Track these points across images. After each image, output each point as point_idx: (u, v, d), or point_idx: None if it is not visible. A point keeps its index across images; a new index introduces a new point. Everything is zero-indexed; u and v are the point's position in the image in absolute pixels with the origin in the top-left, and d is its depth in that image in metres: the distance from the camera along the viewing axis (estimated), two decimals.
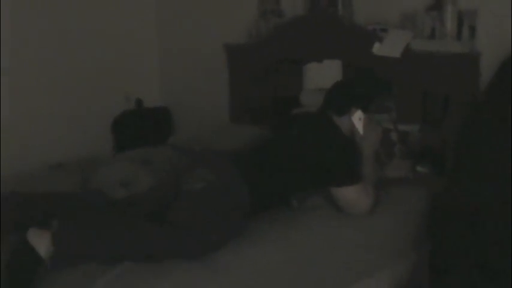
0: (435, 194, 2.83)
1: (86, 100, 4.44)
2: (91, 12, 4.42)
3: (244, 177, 2.46)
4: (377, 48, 3.26)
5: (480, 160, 2.68)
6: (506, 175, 2.55)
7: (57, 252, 2.09)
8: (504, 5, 3.04)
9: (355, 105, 2.71)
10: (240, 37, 4.06)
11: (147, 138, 3.95)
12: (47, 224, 2.17)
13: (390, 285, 2.63)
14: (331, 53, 3.54)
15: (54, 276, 2.11)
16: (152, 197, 2.39)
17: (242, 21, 4.07)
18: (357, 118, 2.70)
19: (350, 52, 3.45)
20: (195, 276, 2.12)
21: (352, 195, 2.54)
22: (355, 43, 3.42)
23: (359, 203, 2.56)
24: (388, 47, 3.22)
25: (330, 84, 2.94)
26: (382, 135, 2.81)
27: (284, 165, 2.57)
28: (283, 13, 3.92)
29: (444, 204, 2.69)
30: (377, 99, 2.81)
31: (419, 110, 3.27)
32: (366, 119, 2.71)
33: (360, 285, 2.52)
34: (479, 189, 2.60)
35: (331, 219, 2.55)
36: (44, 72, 4.22)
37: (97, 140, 4.29)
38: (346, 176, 2.55)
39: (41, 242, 2.10)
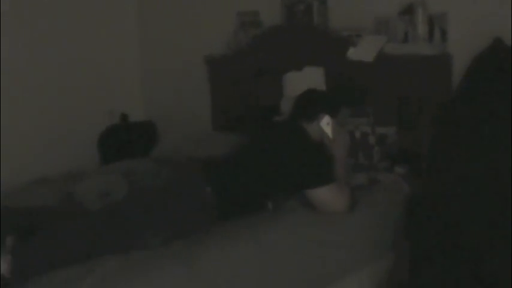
0: (412, 194, 2.89)
1: (72, 116, 4.51)
2: (75, 30, 4.50)
3: (214, 185, 2.54)
4: (351, 53, 3.32)
5: (452, 159, 2.73)
6: (477, 172, 2.61)
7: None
8: (472, 7, 3.12)
9: (322, 111, 2.80)
10: (220, 49, 4.11)
11: (133, 151, 3.99)
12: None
13: (371, 282, 2.70)
14: (309, 60, 3.59)
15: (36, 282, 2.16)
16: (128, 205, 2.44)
17: (222, 33, 4.13)
18: (325, 123, 2.79)
19: (327, 58, 3.50)
20: (172, 276, 2.17)
21: (327, 196, 2.61)
22: (331, 49, 3.48)
23: (335, 203, 2.62)
24: (362, 52, 3.28)
25: None
26: (349, 140, 2.95)
27: (257, 171, 2.65)
28: (261, 24, 3.97)
29: (420, 203, 2.75)
30: (345, 106, 2.92)
31: (395, 113, 3.32)
32: (334, 124, 2.80)
33: (341, 283, 2.59)
34: (452, 187, 2.65)
35: (307, 220, 2.59)
36: (29, 88, 4.29)
37: (83, 155, 4.34)
38: (318, 177, 2.61)
39: None
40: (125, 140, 4.41)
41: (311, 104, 2.88)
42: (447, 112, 2.83)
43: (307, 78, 3.70)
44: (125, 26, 4.80)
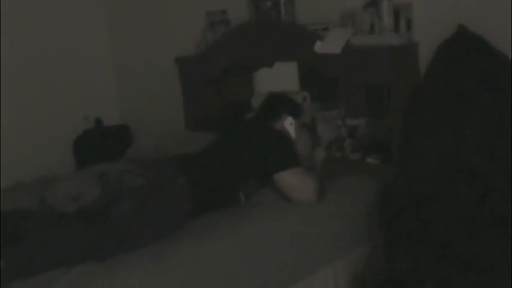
0: (385, 183, 2.91)
1: (47, 122, 4.52)
2: (47, 36, 4.51)
3: (187, 176, 2.62)
4: (319, 46, 3.34)
5: (423, 147, 2.77)
6: (446, 159, 2.64)
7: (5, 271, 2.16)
8: None
9: (286, 112, 2.98)
10: (190, 49, 4.12)
11: (107, 155, 3.99)
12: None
13: (347, 273, 2.72)
14: (278, 56, 3.61)
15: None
16: (100, 206, 2.45)
17: (192, 33, 4.14)
18: (288, 123, 2.97)
19: (296, 53, 3.52)
20: (146, 272, 2.19)
21: (294, 179, 2.68)
22: (299, 44, 3.49)
23: (302, 188, 2.68)
24: (329, 45, 3.30)
25: (285, 86, 3.28)
26: (311, 141, 3.12)
27: (227, 160, 2.76)
28: (230, 23, 3.99)
29: (393, 192, 2.77)
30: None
31: (365, 104, 3.35)
32: (296, 125, 2.99)
33: (316, 275, 2.61)
34: (422, 175, 2.68)
35: (280, 213, 2.62)
36: (4, 95, 4.27)
37: (59, 161, 4.34)
38: (282, 161, 2.71)
39: None
40: (99, 144, 4.41)
41: (275, 105, 3.05)
42: (416, 99, 2.86)
43: (279, 74, 3.74)
44: (96, 32, 4.83)
